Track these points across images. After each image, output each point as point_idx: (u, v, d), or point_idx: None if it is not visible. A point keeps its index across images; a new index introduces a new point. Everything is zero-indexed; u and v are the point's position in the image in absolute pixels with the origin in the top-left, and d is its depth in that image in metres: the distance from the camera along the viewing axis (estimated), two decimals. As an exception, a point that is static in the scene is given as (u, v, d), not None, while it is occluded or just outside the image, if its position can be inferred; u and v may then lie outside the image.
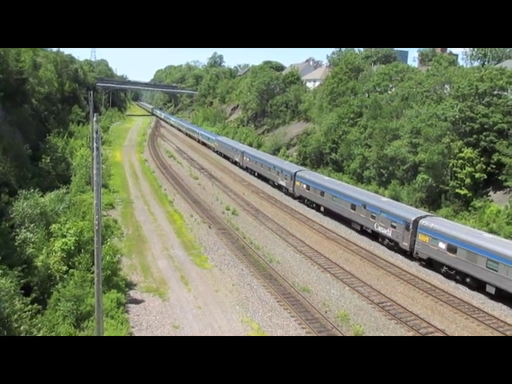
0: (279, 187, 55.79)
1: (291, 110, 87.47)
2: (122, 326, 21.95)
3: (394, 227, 35.58)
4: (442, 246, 31.35)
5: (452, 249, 30.60)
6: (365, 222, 39.09)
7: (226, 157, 77.86)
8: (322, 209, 46.34)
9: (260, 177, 62.40)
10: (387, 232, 36.36)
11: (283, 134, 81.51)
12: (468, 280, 30.05)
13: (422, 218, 34.10)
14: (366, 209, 38.77)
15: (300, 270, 31.82)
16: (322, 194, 45.35)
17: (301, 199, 50.48)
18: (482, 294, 28.94)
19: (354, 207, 40.24)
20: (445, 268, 31.60)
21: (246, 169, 67.49)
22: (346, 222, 42.18)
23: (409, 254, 34.85)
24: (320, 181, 47.41)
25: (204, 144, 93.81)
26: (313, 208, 47.78)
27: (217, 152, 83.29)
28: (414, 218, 34.10)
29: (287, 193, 53.68)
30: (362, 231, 39.96)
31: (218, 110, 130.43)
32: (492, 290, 28.36)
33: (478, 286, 29.37)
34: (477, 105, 43.92)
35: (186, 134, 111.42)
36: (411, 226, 33.92)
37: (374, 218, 37.83)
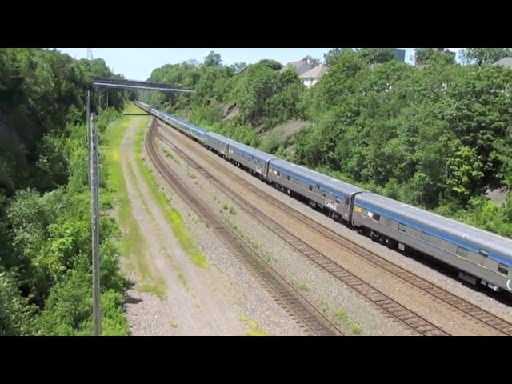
0: (257, 175, 62.09)
1: (288, 108, 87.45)
2: (121, 326, 21.94)
3: (338, 202, 42.56)
4: (370, 214, 38.06)
5: (376, 216, 37.28)
6: (318, 200, 46.12)
7: (213, 150, 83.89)
8: (288, 191, 53.09)
9: (242, 167, 68.77)
10: (333, 207, 43.41)
11: (280, 132, 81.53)
12: (387, 241, 36.62)
13: (358, 193, 41.01)
14: (319, 188, 45.80)
15: (298, 268, 31.86)
16: (288, 178, 52.54)
17: (273, 184, 57.22)
18: (480, 291, 29.07)
19: (311, 188, 47.39)
20: (372, 233, 38.40)
21: (231, 160, 73.72)
22: (304, 200, 49.15)
23: (348, 224, 41.35)
24: (287, 167, 54.74)
25: (195, 139, 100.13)
26: (281, 191, 54.53)
27: (206, 146, 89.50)
28: (352, 194, 40.86)
29: (263, 179, 59.88)
30: (317, 208, 46.64)
31: (215, 108, 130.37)
32: (402, 247, 35.12)
33: (393, 244, 35.96)
34: (474, 103, 43.99)
35: (179, 131, 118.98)
36: (350, 201, 40.70)
37: (324, 195, 44.89)
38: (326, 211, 45.08)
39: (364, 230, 39.51)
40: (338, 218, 42.86)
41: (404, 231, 34.38)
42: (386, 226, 36.15)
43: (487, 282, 28.58)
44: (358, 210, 39.48)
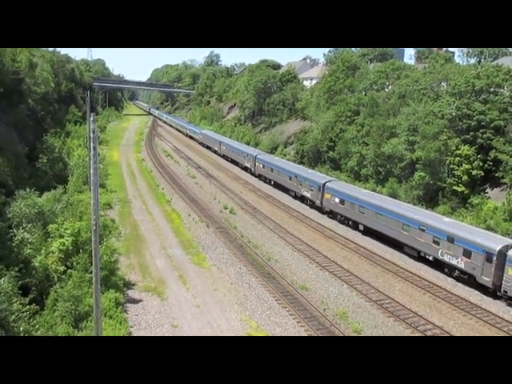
0: (245, 169, 66.71)
1: (288, 108, 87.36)
2: (121, 326, 21.93)
3: (312, 190, 47.19)
4: (337, 200, 42.80)
5: (342, 201, 42.06)
6: (296, 189, 50.80)
7: (208, 147, 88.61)
8: (272, 182, 57.43)
9: (233, 161, 73.29)
10: (308, 195, 48.05)
11: (280, 132, 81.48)
12: (350, 223, 41.33)
13: (328, 181, 45.78)
14: (297, 179, 50.48)
15: (298, 268, 31.86)
16: (272, 170, 57.29)
17: (260, 177, 61.60)
18: (479, 290, 29.08)
19: (290, 179, 52.00)
20: (339, 216, 42.95)
21: (223, 156, 78.30)
22: (286, 190, 53.40)
23: (320, 209, 45.74)
24: (271, 160, 60.11)
25: (191, 137, 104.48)
26: (266, 183, 58.95)
27: (201, 144, 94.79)
28: (323, 182, 45.54)
29: (251, 173, 64.35)
30: (295, 196, 50.98)
31: (215, 108, 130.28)
32: (362, 228, 39.80)
33: (355, 226, 40.58)
34: (473, 102, 43.97)
35: (177, 129, 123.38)
36: (321, 188, 45.23)
37: (301, 185, 49.53)
38: (302, 199, 49.76)
39: (333, 215, 44.04)
40: (312, 205, 47.26)
41: (363, 213, 39.17)
42: (350, 209, 40.99)
43: (425, 253, 33.23)
44: (328, 197, 44.20)
